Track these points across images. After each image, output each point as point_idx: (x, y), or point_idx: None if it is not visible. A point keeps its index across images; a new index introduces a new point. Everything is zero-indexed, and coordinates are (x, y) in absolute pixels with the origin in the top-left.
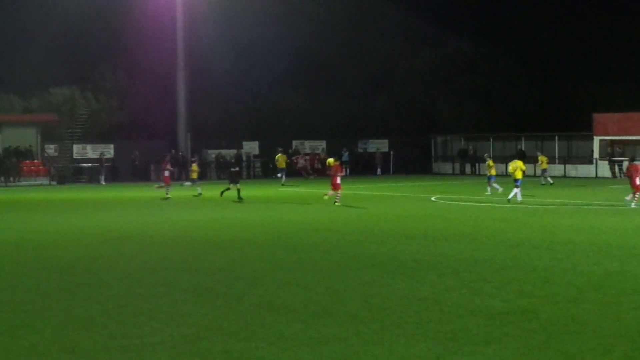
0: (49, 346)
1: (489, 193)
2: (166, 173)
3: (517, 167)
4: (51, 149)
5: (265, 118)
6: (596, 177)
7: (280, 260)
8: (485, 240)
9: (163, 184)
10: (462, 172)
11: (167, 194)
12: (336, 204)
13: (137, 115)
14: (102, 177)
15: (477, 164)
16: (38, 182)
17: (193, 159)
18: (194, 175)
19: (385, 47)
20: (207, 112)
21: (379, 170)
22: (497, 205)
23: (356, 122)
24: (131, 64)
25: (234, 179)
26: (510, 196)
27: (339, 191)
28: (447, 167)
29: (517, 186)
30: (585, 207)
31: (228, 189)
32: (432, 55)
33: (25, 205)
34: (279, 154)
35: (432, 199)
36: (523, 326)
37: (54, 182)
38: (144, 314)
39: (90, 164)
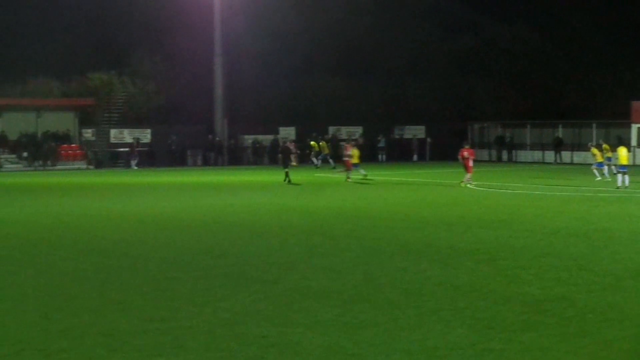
0: (86, 329)
1: (608, 178)
2: (348, 156)
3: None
4: (89, 133)
5: (302, 103)
6: (634, 164)
7: (316, 246)
8: (522, 228)
9: (344, 169)
10: (499, 159)
11: (348, 178)
12: (468, 185)
13: (174, 100)
14: (134, 162)
15: (513, 151)
16: (75, 166)
17: (354, 142)
18: (355, 160)
19: (422, 31)
20: (243, 97)
21: (415, 157)
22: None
23: (393, 108)
24: (169, 48)
25: (287, 162)
26: (619, 184)
27: (469, 175)
28: (483, 154)
29: (620, 172)
30: (623, 195)
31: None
32: (470, 40)
33: (62, 189)
34: (322, 141)
35: (469, 185)
36: (559, 314)
37: (91, 166)
38: (180, 298)
39: (127, 149)
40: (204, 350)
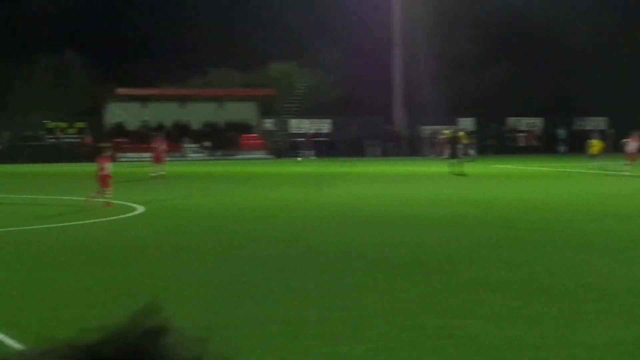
0: (267, 317)
1: None
2: (633, 148)
3: None
4: (269, 123)
5: (481, 94)
6: None
7: (496, 237)
8: None
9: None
10: None
11: (627, 171)
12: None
13: (353, 90)
14: (307, 153)
15: None
16: (256, 156)
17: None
18: (594, 151)
19: (605, 19)
20: (422, 87)
21: None
22: None
23: (573, 98)
24: (348, 39)
25: (455, 152)
26: None
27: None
28: None
29: None
30: None
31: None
32: None
33: (243, 178)
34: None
35: None
36: None
37: (271, 156)
38: (359, 287)
39: (303, 139)
40: (384, 340)
